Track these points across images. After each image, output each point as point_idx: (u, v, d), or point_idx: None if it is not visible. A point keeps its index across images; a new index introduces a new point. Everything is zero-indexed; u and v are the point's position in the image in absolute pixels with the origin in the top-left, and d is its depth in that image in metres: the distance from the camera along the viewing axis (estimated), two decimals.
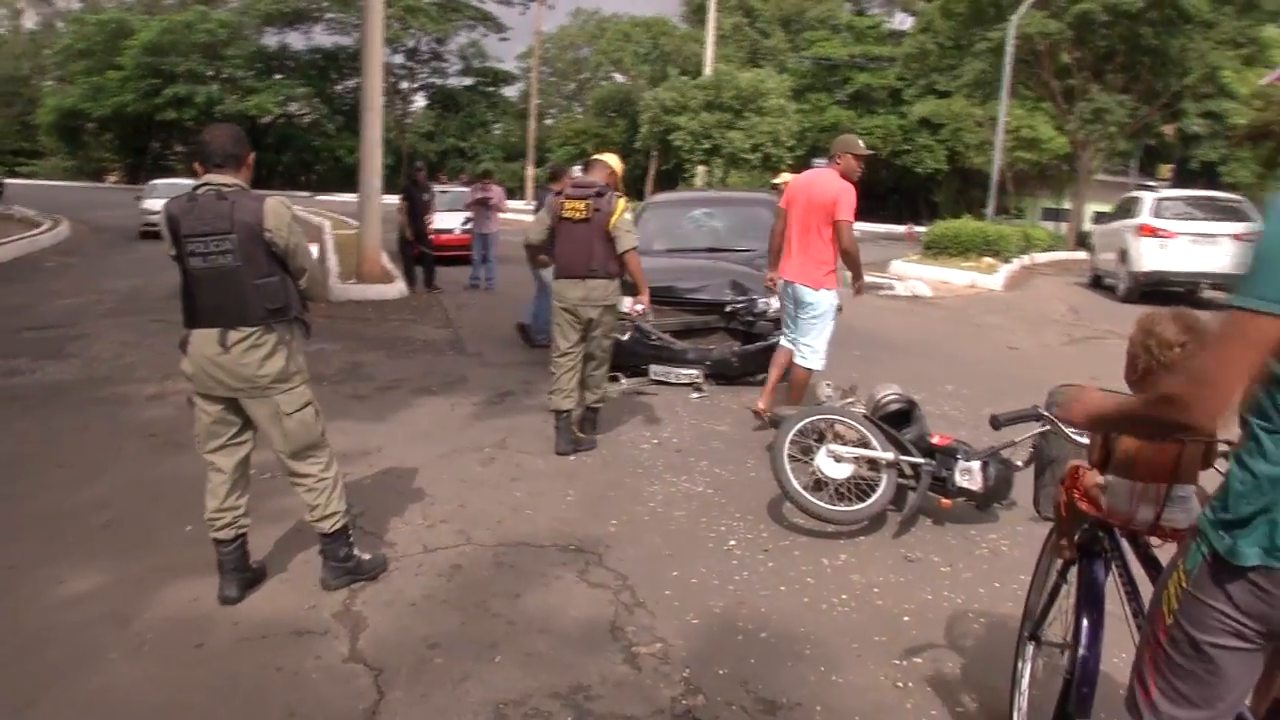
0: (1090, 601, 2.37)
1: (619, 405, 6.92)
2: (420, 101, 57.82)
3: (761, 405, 6.33)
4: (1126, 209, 15.76)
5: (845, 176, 5.96)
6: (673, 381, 7.45)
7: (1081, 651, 2.31)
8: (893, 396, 4.90)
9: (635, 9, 78.32)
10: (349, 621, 3.55)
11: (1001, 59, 25.29)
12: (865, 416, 4.75)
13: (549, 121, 61.63)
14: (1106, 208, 43.63)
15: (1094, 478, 2.39)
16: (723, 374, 7.51)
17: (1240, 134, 22.65)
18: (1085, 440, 2.58)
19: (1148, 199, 14.83)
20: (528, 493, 5.01)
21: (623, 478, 5.31)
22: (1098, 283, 16.44)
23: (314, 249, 3.90)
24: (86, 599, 3.71)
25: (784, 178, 14.50)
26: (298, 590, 3.82)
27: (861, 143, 6.25)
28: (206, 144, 3.53)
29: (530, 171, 40.34)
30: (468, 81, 57.14)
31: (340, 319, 10.62)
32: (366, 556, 4.02)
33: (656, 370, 7.52)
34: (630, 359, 7.58)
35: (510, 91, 61.53)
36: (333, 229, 21.59)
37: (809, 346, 6.14)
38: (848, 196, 5.83)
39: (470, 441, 5.94)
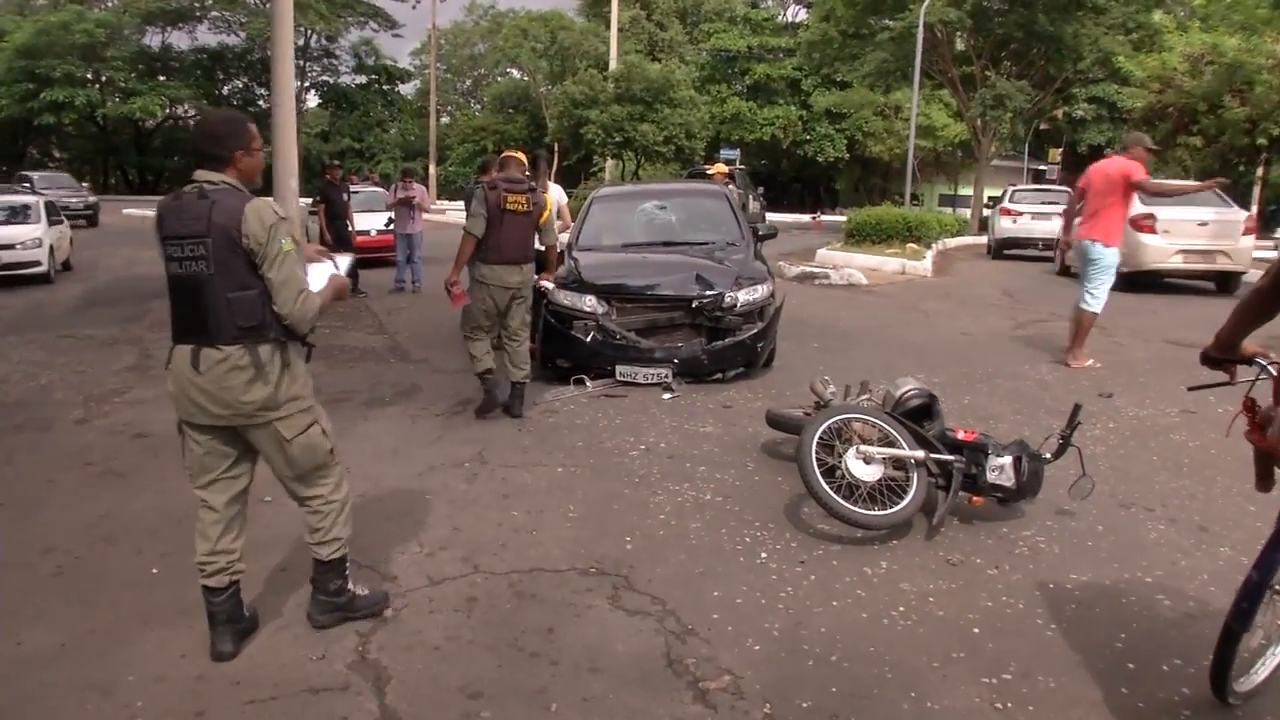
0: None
1: (592, 409, 6.57)
2: (313, 101, 56.00)
3: (1072, 361, 7.91)
4: (998, 198, 21.72)
5: (1136, 161, 7.68)
6: (641, 382, 7.12)
7: (1252, 572, 2.67)
8: (913, 391, 4.67)
9: (530, 3, 77.65)
10: (368, 673, 3.13)
11: (904, 47, 25.70)
12: (889, 414, 4.51)
13: (446, 120, 60.45)
14: (1000, 192, 45.10)
15: (1269, 412, 2.60)
16: (693, 372, 7.21)
17: (1139, 116, 23.39)
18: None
19: (1009, 190, 21.26)
20: (525, 511, 4.63)
21: (621, 489, 4.97)
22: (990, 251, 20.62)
23: (322, 268, 3.40)
24: (53, 662, 3.21)
25: (719, 167, 14.42)
26: (299, 638, 3.38)
27: (1148, 139, 8.10)
28: (193, 136, 3.18)
29: (433, 170, 39.33)
30: (361, 80, 55.53)
31: None
32: (363, 592, 3.59)
33: (623, 371, 7.18)
34: (595, 360, 7.24)
35: (406, 89, 60.16)
36: None
37: (1092, 294, 7.72)
38: (1138, 168, 7.63)
39: (445, 457, 5.51)
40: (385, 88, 56.63)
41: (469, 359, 6.49)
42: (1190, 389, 3.18)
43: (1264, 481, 2.84)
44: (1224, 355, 2.68)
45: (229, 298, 2.98)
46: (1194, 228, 12.83)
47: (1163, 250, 12.81)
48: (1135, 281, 12.56)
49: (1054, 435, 4.52)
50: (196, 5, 47.96)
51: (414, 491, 4.92)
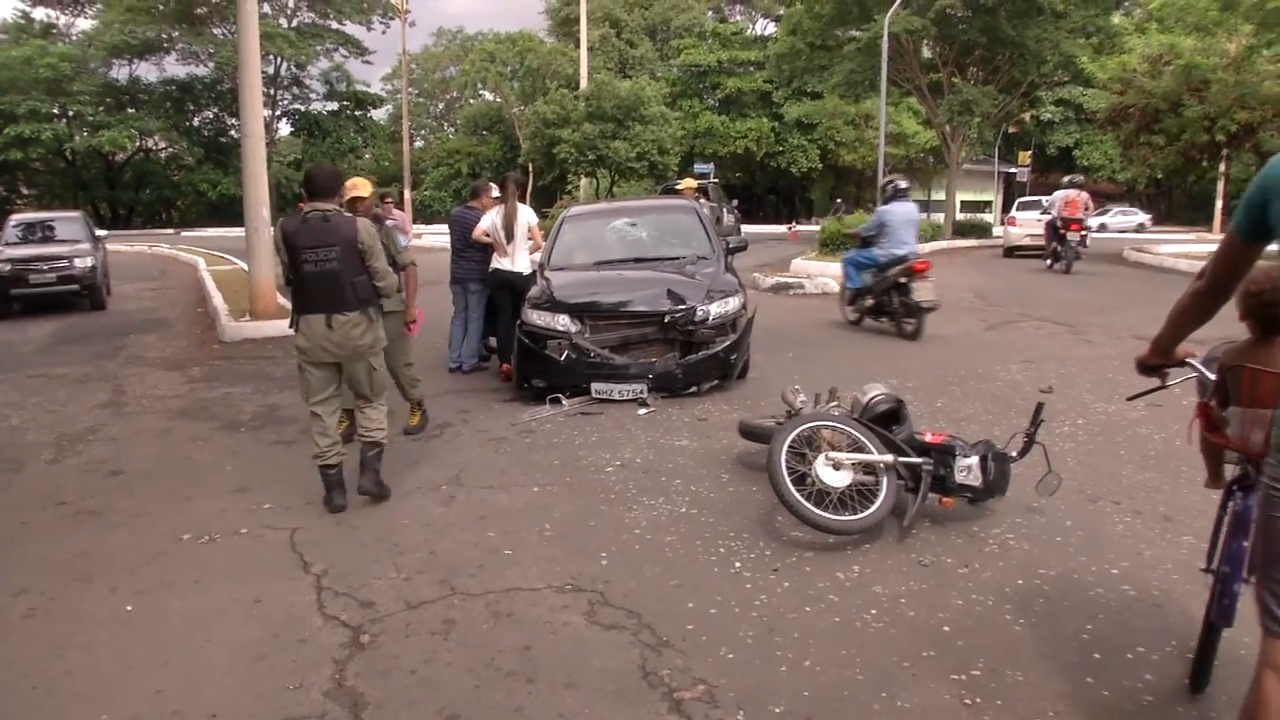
0: (1237, 527, 2.72)
1: (568, 428, 6.60)
2: (285, 129, 55.92)
3: None
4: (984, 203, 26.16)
5: None
6: (617, 398, 7.16)
7: (1225, 568, 2.75)
8: (880, 396, 4.73)
9: (499, 24, 77.87)
10: (345, 700, 3.14)
11: (871, 57, 25.97)
12: (857, 420, 4.57)
13: (420, 144, 60.49)
14: (974, 196, 45.37)
15: (1218, 411, 2.78)
16: (668, 386, 7.26)
17: (1102, 117, 23.74)
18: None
19: (1014, 206, 25.38)
20: (501, 531, 4.65)
21: (597, 505, 5.00)
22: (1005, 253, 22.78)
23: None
24: (27, 707, 3.20)
25: (688, 182, 14.48)
26: (275, 669, 3.38)
27: None
28: (312, 179, 4.95)
29: (408, 194, 39.29)
30: (333, 106, 55.53)
31: (241, 360, 9.96)
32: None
33: (598, 388, 7.22)
34: (570, 378, 7.28)
35: (379, 115, 60.16)
36: (209, 266, 20.44)
37: None
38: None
39: (423, 481, 5.53)
40: (357, 114, 56.64)
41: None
42: (1129, 399, 3.28)
43: (1216, 479, 2.93)
44: (1160, 361, 2.75)
45: (353, 281, 4.88)
46: (1033, 223, 21.21)
47: (1018, 234, 22.00)
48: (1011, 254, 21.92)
49: (1020, 434, 4.59)
50: (163, 37, 47.80)
51: (390, 516, 4.94)
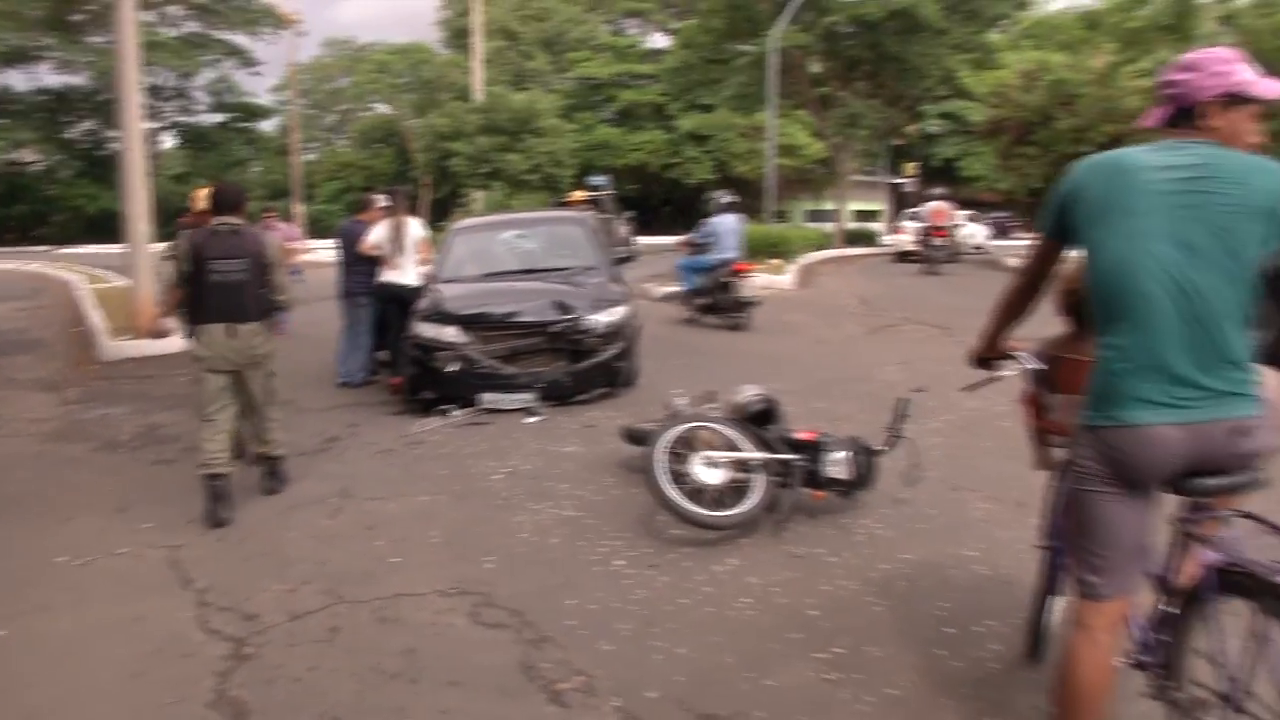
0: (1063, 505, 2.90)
1: (457, 438, 6.66)
2: (169, 142, 54.00)
3: None
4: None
5: None
6: (506, 408, 7.25)
7: (1055, 543, 3.03)
8: (754, 397, 4.95)
9: (391, 34, 76.82)
10: (227, 710, 3.17)
11: (761, 71, 26.63)
12: (731, 420, 4.77)
13: (312, 156, 59.18)
14: (865, 206, 46.56)
15: (1046, 398, 3.03)
16: (557, 395, 7.37)
17: (981, 129, 24.88)
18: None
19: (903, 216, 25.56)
20: (389, 540, 4.70)
21: (484, 512, 5.09)
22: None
23: None
24: None
25: (577, 194, 14.69)
26: (154, 685, 3.36)
27: None
28: (220, 195, 5.29)
29: (300, 209, 38.44)
30: (220, 118, 53.88)
31: (121, 379, 9.67)
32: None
33: (488, 398, 7.29)
34: (459, 389, 7.33)
35: (268, 126, 58.60)
36: (89, 284, 19.67)
37: None
38: None
39: (309, 494, 5.51)
40: (245, 126, 55.08)
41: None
42: (964, 389, 3.53)
43: (1044, 462, 3.20)
44: (990, 354, 3.00)
45: (256, 293, 5.15)
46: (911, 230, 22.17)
47: (906, 241, 22.26)
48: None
49: (887, 430, 4.85)
50: (34, 44, 45.69)
51: (277, 530, 4.93)
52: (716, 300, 11.76)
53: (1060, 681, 2.41)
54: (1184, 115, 2.34)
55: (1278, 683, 2.10)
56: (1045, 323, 2.99)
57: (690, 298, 12.38)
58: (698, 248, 12.46)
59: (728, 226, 12.18)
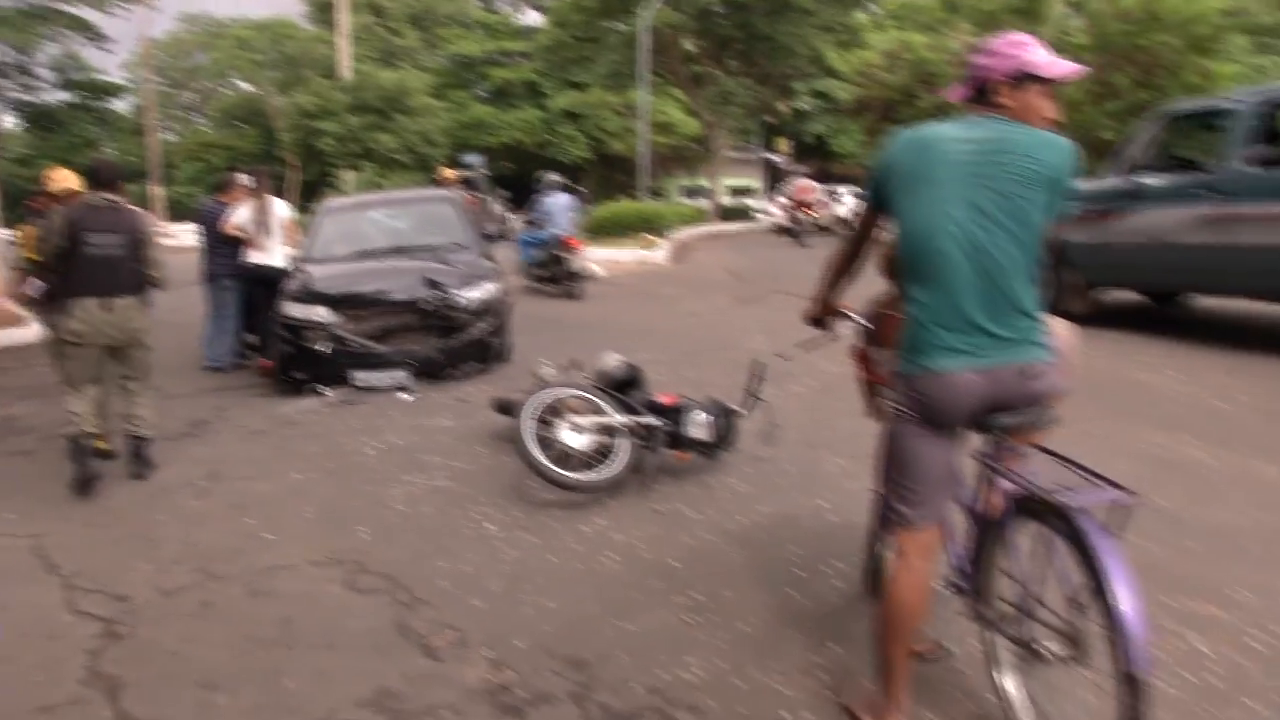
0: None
1: (330, 418, 6.67)
2: (10, 122, 50.68)
3: None
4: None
5: None
6: (379, 386, 7.27)
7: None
8: (617, 365, 5.15)
9: (250, 10, 73.86)
10: (101, 685, 3.18)
11: (634, 50, 26.84)
12: (595, 386, 4.96)
13: (171, 137, 56.54)
14: (741, 182, 47.24)
15: (873, 352, 3.28)
16: (430, 372, 7.43)
17: (848, 107, 25.73)
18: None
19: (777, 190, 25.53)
20: (261, 518, 4.72)
21: (358, 486, 5.15)
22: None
23: None
24: None
25: (448, 173, 14.69)
26: (18, 669, 3.33)
27: None
28: (96, 171, 5.34)
29: (157, 191, 36.80)
30: (66, 96, 50.84)
31: None
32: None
33: (360, 377, 7.30)
34: (331, 369, 7.31)
35: (122, 105, 55.62)
36: None
37: None
38: None
39: (176, 477, 5.46)
40: (95, 104, 52.15)
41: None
42: (796, 345, 3.81)
43: (874, 411, 3.47)
44: (823, 313, 3.26)
45: (131, 267, 5.18)
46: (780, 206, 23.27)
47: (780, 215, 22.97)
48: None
49: (744, 392, 5.13)
50: None
51: (142, 514, 4.88)
52: (552, 272, 13.00)
53: (882, 604, 2.69)
54: (982, 93, 2.61)
55: (1063, 590, 2.41)
56: (872, 284, 3.26)
57: (528, 269, 13.58)
58: (531, 224, 13.83)
59: (560, 205, 13.47)
